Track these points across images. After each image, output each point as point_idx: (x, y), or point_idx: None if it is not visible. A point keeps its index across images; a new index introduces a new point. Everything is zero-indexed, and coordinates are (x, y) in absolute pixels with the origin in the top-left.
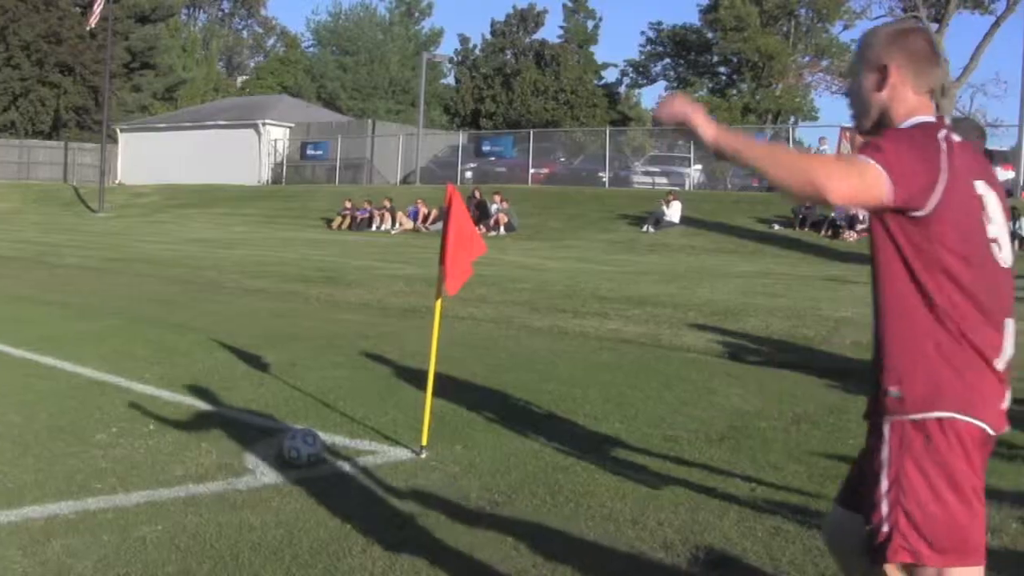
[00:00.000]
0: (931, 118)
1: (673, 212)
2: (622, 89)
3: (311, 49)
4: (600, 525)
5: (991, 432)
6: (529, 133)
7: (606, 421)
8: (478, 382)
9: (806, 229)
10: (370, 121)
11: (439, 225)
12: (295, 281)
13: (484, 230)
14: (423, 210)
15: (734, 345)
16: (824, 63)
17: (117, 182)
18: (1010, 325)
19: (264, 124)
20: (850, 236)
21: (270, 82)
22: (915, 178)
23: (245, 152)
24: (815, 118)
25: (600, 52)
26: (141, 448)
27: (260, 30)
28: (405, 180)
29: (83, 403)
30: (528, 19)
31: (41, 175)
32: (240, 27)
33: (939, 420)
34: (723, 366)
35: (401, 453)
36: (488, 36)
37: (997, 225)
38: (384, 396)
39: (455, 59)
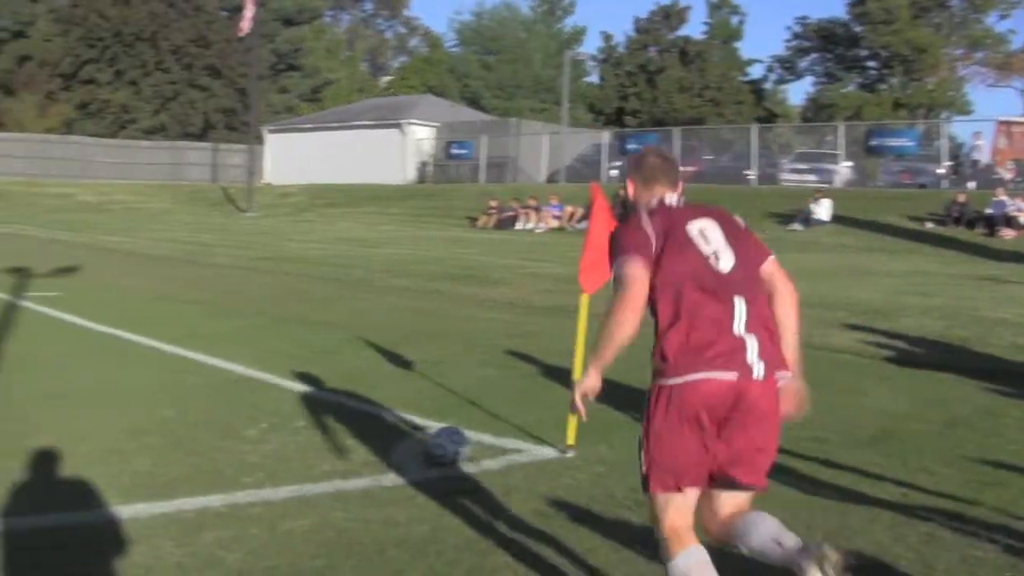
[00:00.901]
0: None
1: (823, 210)
2: (768, 85)
3: (454, 48)
4: None
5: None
6: (674, 131)
7: None
8: (624, 381)
9: (960, 227)
10: (515, 120)
11: (585, 224)
12: (440, 279)
13: None
14: (568, 208)
15: (886, 346)
16: (978, 55)
17: (264, 182)
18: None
19: (408, 124)
20: (1007, 234)
21: (414, 82)
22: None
23: (389, 152)
24: (969, 112)
25: (745, 48)
26: (290, 444)
27: (403, 30)
28: (551, 179)
29: (233, 399)
30: (671, 16)
31: (191, 176)
32: (383, 28)
33: None
34: (874, 367)
35: (547, 452)
36: (631, 33)
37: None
38: (530, 395)
39: (598, 57)
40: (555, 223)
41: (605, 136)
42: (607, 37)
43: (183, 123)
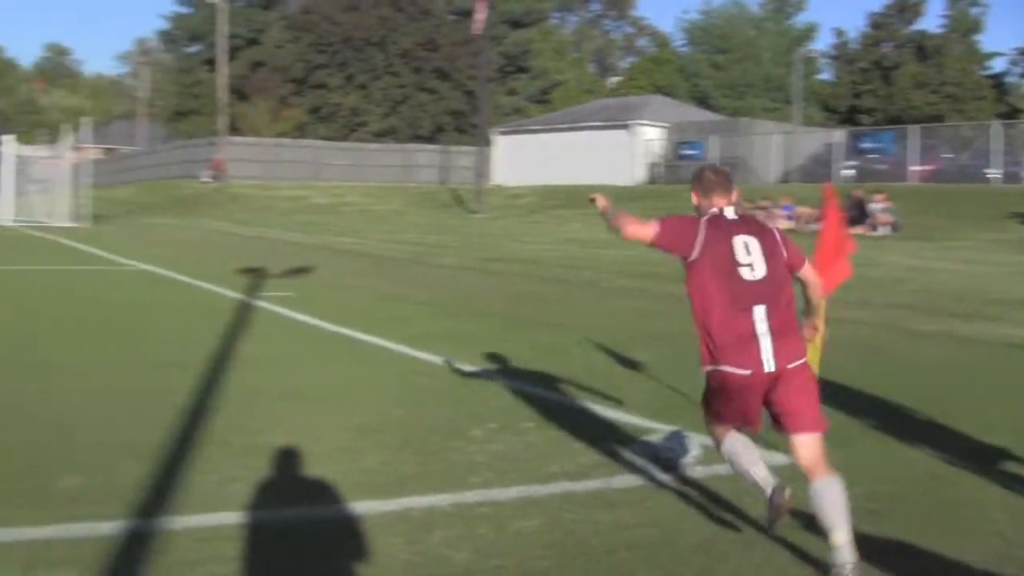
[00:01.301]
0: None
1: None
2: (1012, 79)
3: (682, 48)
4: (986, 541)
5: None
6: (910, 129)
7: (997, 431)
8: (858, 386)
9: None
10: (746, 120)
11: (817, 225)
12: (672, 281)
13: (863, 231)
14: (799, 209)
15: None
16: None
17: (493, 184)
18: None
19: (637, 124)
20: None
21: (642, 82)
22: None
23: (618, 153)
24: None
25: (986, 41)
26: (518, 444)
27: (630, 30)
28: (782, 179)
29: (462, 399)
30: (907, 9)
31: (421, 178)
32: (610, 28)
33: None
34: None
35: (778, 458)
36: (864, 28)
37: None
38: None
39: (830, 54)
40: (787, 224)
41: (838, 135)
42: (839, 33)
43: (413, 126)
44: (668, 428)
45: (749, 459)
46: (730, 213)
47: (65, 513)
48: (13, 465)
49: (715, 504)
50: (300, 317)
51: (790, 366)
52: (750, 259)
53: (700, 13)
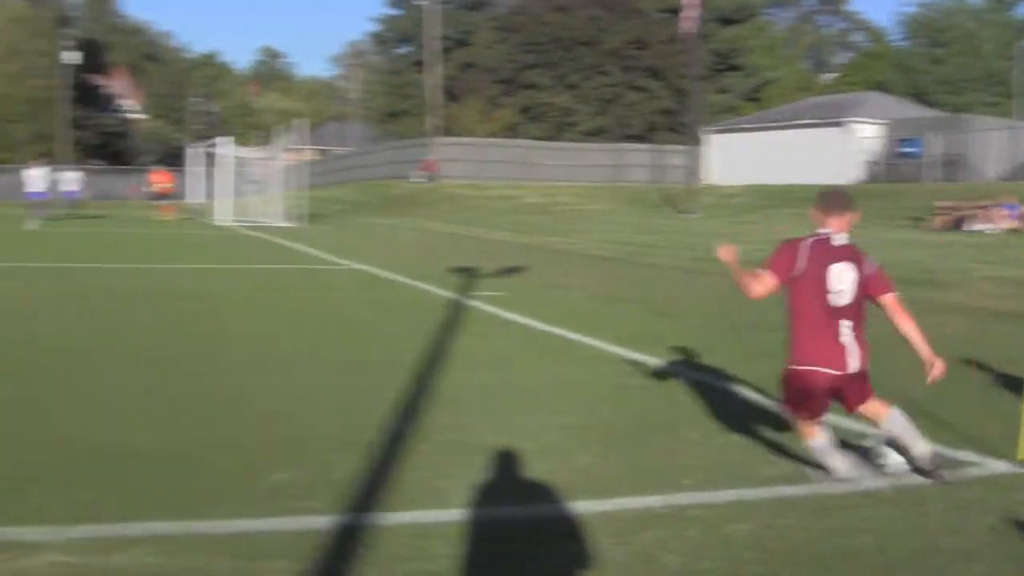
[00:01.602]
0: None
1: None
2: None
3: (899, 43)
4: None
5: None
6: None
7: None
8: None
9: None
10: (967, 116)
11: None
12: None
13: None
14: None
15: None
16: None
17: (705, 183)
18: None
19: (852, 122)
20: None
21: (856, 78)
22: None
23: (832, 151)
24: None
25: None
26: (731, 447)
27: (845, 26)
28: (1009, 177)
29: (673, 400)
30: None
31: (631, 177)
32: (824, 23)
33: None
34: None
35: (1000, 466)
36: None
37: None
38: (986, 405)
39: None
40: (1011, 224)
41: None
42: None
43: (623, 125)
44: (882, 434)
45: (832, 451)
46: (838, 240)
47: (278, 507)
48: (230, 459)
49: (934, 514)
50: (512, 316)
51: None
52: (841, 286)
53: (918, 6)
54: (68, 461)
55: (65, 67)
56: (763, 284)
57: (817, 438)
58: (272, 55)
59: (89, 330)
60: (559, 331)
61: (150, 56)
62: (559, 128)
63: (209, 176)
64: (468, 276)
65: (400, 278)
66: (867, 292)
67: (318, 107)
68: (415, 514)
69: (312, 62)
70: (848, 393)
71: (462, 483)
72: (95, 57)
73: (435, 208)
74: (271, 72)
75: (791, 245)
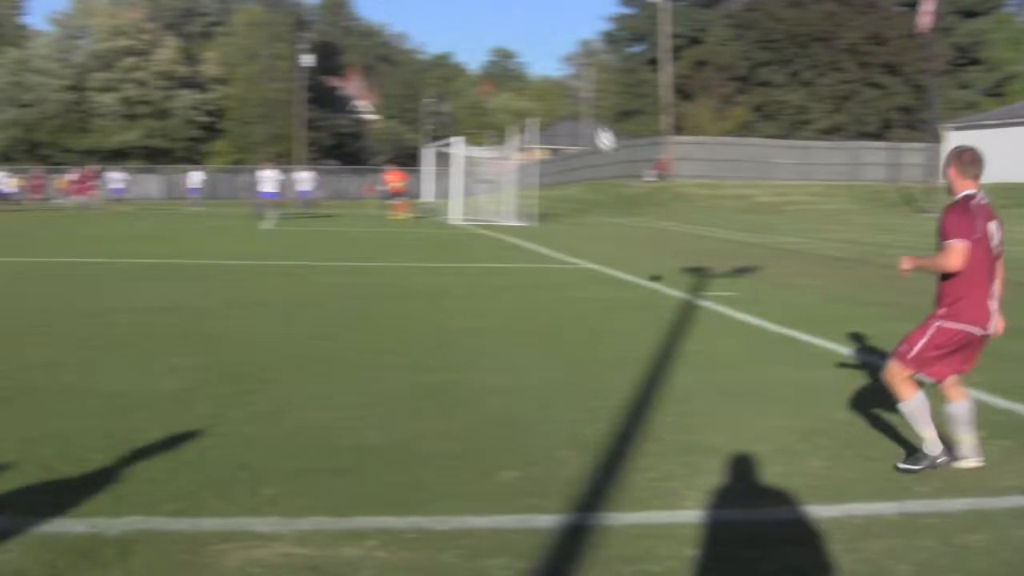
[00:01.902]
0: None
1: None
2: None
3: None
4: None
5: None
6: None
7: None
8: None
9: None
10: None
11: None
12: None
13: None
14: None
15: None
16: None
17: (942, 181)
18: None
19: None
20: None
21: None
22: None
23: None
24: None
25: None
26: None
27: None
28: None
29: None
30: None
31: (868, 176)
32: None
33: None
34: None
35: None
36: None
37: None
38: None
39: None
40: None
41: None
42: None
43: (859, 122)
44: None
45: (927, 418)
46: (982, 198)
47: (505, 504)
48: (460, 456)
49: None
50: (743, 317)
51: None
52: (995, 242)
53: None
54: (300, 455)
55: (301, 69)
56: (959, 253)
57: (919, 396)
58: (504, 55)
59: (321, 327)
60: (791, 332)
61: (384, 58)
62: (793, 126)
63: (441, 176)
64: (699, 276)
65: (631, 277)
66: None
67: (550, 107)
68: (642, 515)
69: (544, 61)
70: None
71: (690, 484)
72: (330, 59)
73: (667, 207)
74: (503, 72)
75: (963, 215)
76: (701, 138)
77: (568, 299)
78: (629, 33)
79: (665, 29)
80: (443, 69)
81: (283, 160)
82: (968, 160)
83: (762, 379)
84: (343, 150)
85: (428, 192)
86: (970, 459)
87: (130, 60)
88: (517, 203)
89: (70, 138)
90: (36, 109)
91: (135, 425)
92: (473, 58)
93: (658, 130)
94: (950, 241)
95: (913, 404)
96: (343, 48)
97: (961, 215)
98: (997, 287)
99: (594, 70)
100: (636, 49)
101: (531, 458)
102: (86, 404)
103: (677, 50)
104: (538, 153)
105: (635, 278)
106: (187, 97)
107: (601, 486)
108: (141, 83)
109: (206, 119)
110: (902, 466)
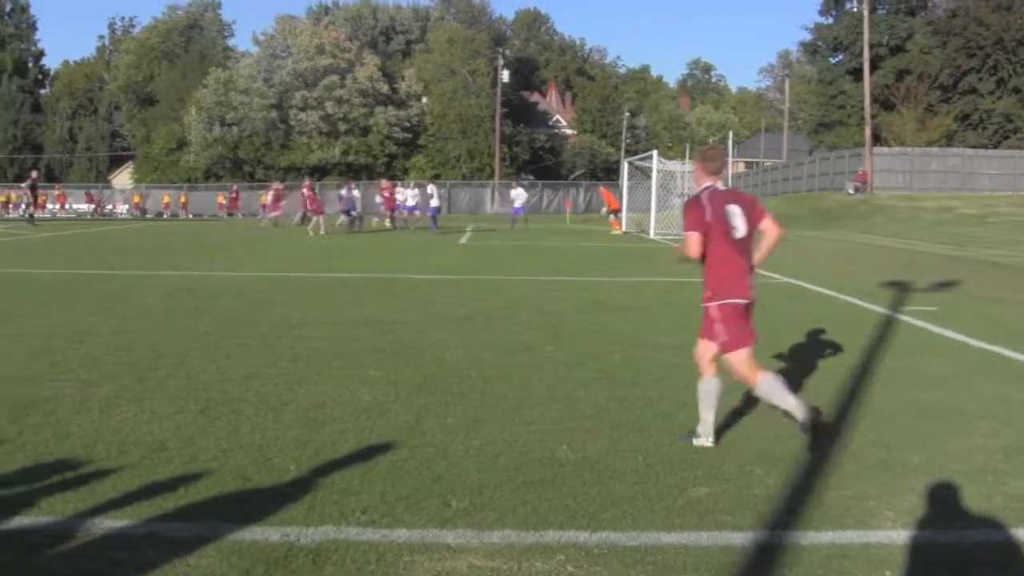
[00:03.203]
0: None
1: None
2: None
3: None
4: None
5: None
6: None
7: None
8: None
9: None
10: None
11: None
12: None
13: None
14: None
15: None
16: None
17: None
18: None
19: None
20: None
21: None
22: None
23: None
24: None
25: None
26: None
27: None
28: None
29: None
30: None
31: None
32: None
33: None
34: None
35: None
36: None
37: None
38: None
39: None
40: None
41: None
42: None
43: None
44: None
45: (784, 391)
46: (720, 186)
47: (696, 521)
48: (651, 471)
49: None
50: (944, 332)
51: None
52: (736, 222)
53: None
54: (491, 468)
55: (498, 85)
56: (692, 242)
57: (767, 375)
58: (702, 68)
59: (514, 340)
60: (995, 348)
61: (581, 72)
62: (1000, 135)
63: (633, 189)
64: (899, 290)
65: (829, 292)
66: (753, 225)
67: (749, 119)
68: (836, 534)
69: (742, 73)
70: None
71: (885, 504)
72: (528, 74)
73: (867, 220)
74: (700, 84)
75: (694, 206)
76: (901, 149)
77: (764, 313)
78: (829, 43)
79: (866, 38)
80: (640, 82)
81: (479, 175)
82: (709, 157)
83: (964, 396)
84: (540, 165)
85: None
86: (705, 439)
87: (331, 78)
88: None
89: (272, 155)
90: (240, 127)
91: (329, 436)
92: (670, 71)
93: (857, 141)
94: (686, 233)
95: (766, 383)
96: (540, 63)
97: (692, 208)
98: (751, 258)
99: (792, 81)
100: (836, 59)
101: (723, 474)
102: (282, 415)
103: (878, 59)
104: (735, 166)
105: (834, 292)
106: (386, 114)
107: (794, 504)
108: (341, 101)
109: (405, 135)
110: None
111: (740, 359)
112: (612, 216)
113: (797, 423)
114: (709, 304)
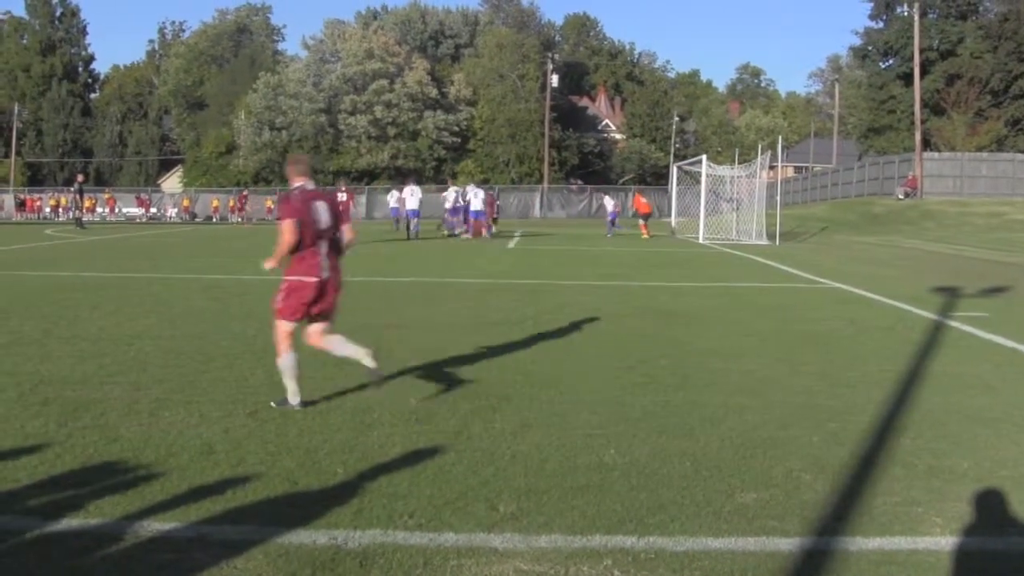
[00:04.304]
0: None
1: None
2: None
3: None
4: None
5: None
6: None
7: None
8: None
9: None
10: None
11: None
12: None
13: None
14: None
15: None
16: None
17: None
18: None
19: None
20: None
21: None
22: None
23: None
24: None
25: None
26: None
27: None
28: None
29: None
30: None
31: None
32: None
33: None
34: None
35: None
36: None
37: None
38: None
39: None
40: None
41: None
42: None
43: None
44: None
45: (293, 373)
46: (309, 185)
47: (744, 527)
48: (699, 477)
49: None
50: (995, 338)
51: (337, 275)
52: (320, 215)
53: None
54: (538, 473)
55: (548, 89)
56: (288, 229)
57: (292, 353)
58: (752, 72)
59: (560, 345)
60: None
61: (631, 76)
62: None
63: (682, 194)
64: (949, 296)
65: (878, 297)
66: (337, 219)
67: (798, 124)
68: (884, 540)
69: (792, 78)
70: (321, 299)
71: (934, 510)
72: (577, 79)
73: (916, 226)
74: (750, 89)
75: (287, 197)
76: (951, 154)
77: (814, 319)
78: (879, 47)
79: (917, 43)
80: (690, 87)
81: (528, 180)
82: (297, 161)
83: (1014, 403)
84: (589, 169)
85: (678, 211)
86: (293, 404)
87: (380, 83)
88: (762, 222)
89: (321, 159)
90: (289, 132)
91: (377, 440)
92: (720, 75)
93: (908, 146)
94: (283, 221)
95: (287, 360)
96: (590, 68)
97: (286, 202)
98: (335, 247)
99: (842, 86)
100: (886, 64)
101: (771, 479)
102: (329, 419)
103: (928, 64)
104: (784, 171)
105: (882, 298)
106: (435, 118)
107: (842, 510)
108: (390, 105)
109: (454, 139)
110: (274, 404)
111: (281, 327)
112: (641, 220)
113: (287, 401)
114: (285, 277)
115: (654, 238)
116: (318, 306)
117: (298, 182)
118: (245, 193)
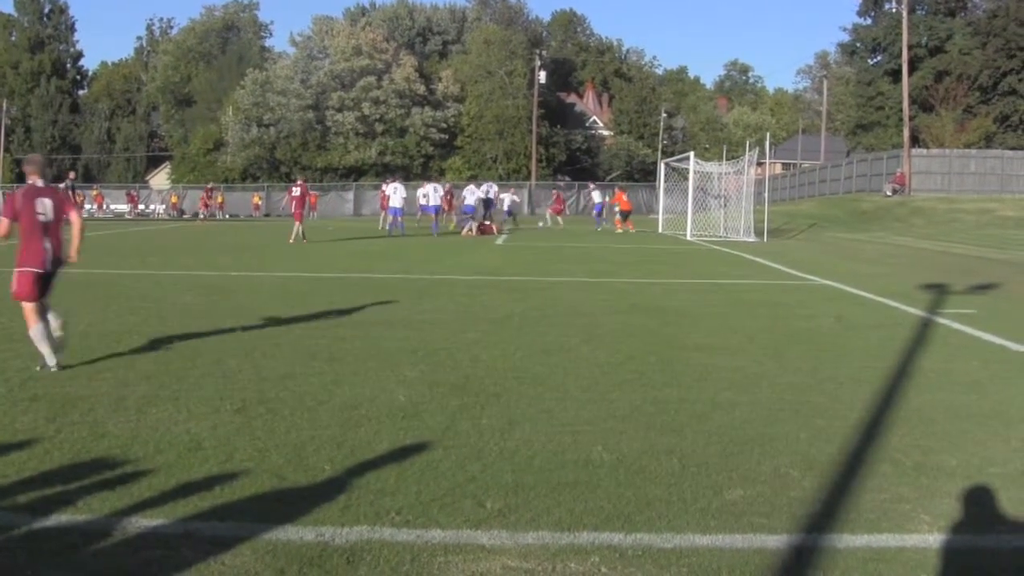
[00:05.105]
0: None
1: None
2: None
3: None
4: None
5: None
6: None
7: None
8: None
9: None
10: None
11: None
12: None
13: None
14: None
15: None
16: None
17: None
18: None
19: None
20: None
21: None
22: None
23: None
24: None
25: None
26: None
27: None
28: None
29: None
30: None
31: None
32: None
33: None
34: None
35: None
36: None
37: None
38: None
39: None
40: None
41: None
42: None
43: None
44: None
45: (44, 340)
46: (39, 183)
47: (731, 524)
48: (686, 473)
49: None
50: (983, 335)
51: (60, 267)
52: (43, 209)
53: None
54: (526, 469)
55: (535, 86)
56: (3, 225)
57: (39, 325)
58: (740, 69)
59: (549, 341)
60: None
61: (618, 73)
62: None
63: (670, 191)
64: (937, 293)
65: (867, 294)
66: (62, 213)
67: (786, 120)
68: (871, 537)
69: (780, 74)
70: (44, 285)
71: (922, 507)
72: (564, 76)
73: (904, 222)
74: (738, 86)
75: (11, 195)
76: (940, 151)
77: (803, 316)
78: (867, 44)
79: (905, 39)
80: (678, 84)
81: (516, 176)
82: (31, 162)
83: (1002, 400)
84: (576, 166)
85: (665, 207)
86: (51, 366)
87: (368, 79)
88: (750, 219)
89: (309, 156)
90: (277, 128)
91: (365, 436)
92: (708, 72)
93: (895, 143)
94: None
95: (36, 329)
96: (577, 64)
97: (9, 201)
98: (57, 238)
99: (829, 82)
100: (874, 60)
101: (759, 476)
102: (318, 415)
103: (917, 60)
104: (772, 167)
105: (870, 295)
106: (423, 115)
107: (830, 506)
108: (378, 101)
109: (441, 136)
110: (39, 369)
111: (26, 307)
112: (618, 216)
113: (45, 365)
114: (16, 268)
115: (640, 234)
116: (44, 293)
117: (29, 180)
118: (209, 187)
